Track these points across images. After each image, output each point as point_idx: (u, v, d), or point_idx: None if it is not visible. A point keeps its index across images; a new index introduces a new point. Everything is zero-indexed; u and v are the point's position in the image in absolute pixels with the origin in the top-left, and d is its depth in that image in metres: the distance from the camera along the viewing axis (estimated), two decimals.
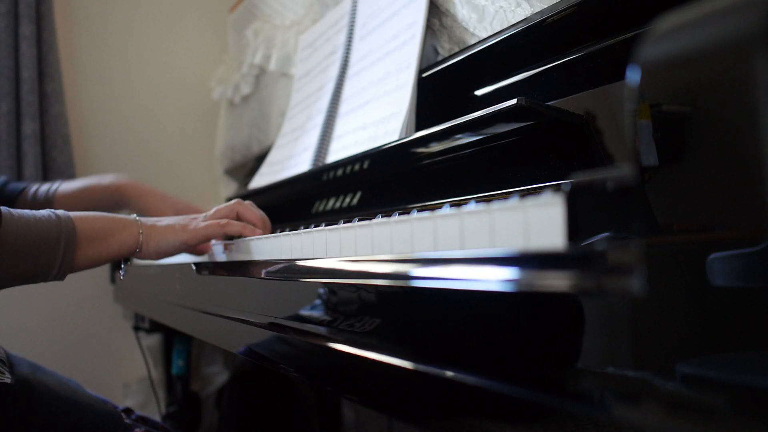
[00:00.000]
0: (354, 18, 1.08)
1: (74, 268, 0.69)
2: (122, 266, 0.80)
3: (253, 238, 0.69)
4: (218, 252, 0.77)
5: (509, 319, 0.30)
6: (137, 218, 0.74)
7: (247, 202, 0.79)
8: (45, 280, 0.68)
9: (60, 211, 0.69)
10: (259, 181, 1.28)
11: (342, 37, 1.12)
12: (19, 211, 0.65)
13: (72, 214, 0.70)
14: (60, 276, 0.68)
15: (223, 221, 0.74)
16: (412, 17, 0.88)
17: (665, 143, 0.25)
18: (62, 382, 0.79)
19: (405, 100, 0.82)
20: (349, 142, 0.93)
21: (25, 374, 0.71)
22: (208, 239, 0.75)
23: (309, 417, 1.38)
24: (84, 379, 0.90)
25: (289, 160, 1.16)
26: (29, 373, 0.73)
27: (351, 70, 1.03)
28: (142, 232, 0.73)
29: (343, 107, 1.01)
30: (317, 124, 1.08)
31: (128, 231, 0.72)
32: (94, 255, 0.70)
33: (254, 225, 0.76)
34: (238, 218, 0.77)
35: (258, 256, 0.66)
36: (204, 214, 0.77)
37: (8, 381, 0.65)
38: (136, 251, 0.73)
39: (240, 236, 0.74)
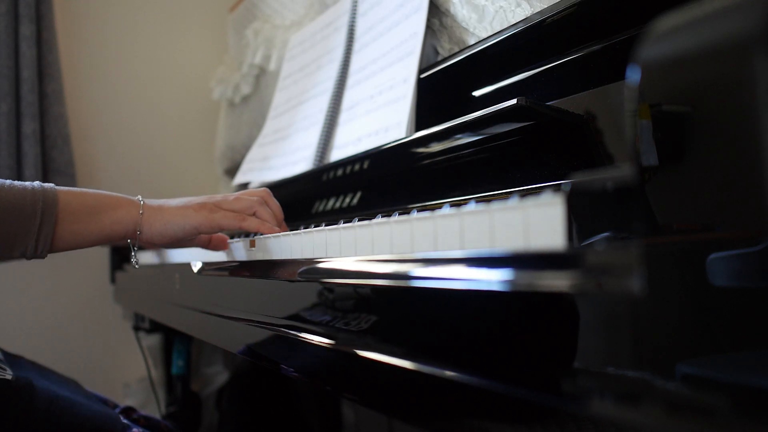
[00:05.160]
0: (353, 23, 1.07)
1: (57, 245, 0.64)
2: (132, 253, 0.73)
3: (270, 236, 0.66)
4: (238, 249, 0.73)
5: (509, 319, 0.30)
6: (141, 198, 0.69)
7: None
8: (25, 255, 0.63)
9: (47, 184, 0.65)
10: (241, 178, 1.28)
11: (334, 42, 1.12)
12: None
13: (60, 187, 0.65)
14: (40, 252, 0.63)
15: (242, 216, 0.69)
16: (412, 28, 0.88)
17: (665, 143, 0.25)
18: (61, 381, 0.79)
19: (405, 111, 0.82)
20: (350, 152, 0.92)
21: (24, 372, 0.71)
22: (222, 230, 0.70)
23: (309, 417, 1.38)
24: (84, 379, 0.90)
25: (278, 158, 1.16)
26: (28, 372, 0.73)
27: (350, 80, 1.02)
28: (142, 213, 0.67)
29: (343, 116, 1.01)
30: (312, 123, 1.08)
31: (125, 209, 0.67)
32: (80, 231, 0.65)
33: (276, 223, 0.71)
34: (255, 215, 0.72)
35: (277, 255, 0.65)
36: (223, 195, 0.72)
37: (9, 378, 0.65)
38: (137, 233, 0.68)
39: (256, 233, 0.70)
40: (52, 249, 0.65)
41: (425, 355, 0.35)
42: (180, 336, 1.49)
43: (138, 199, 0.69)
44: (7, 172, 1.43)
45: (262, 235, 0.69)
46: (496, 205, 0.33)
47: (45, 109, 1.50)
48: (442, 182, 0.76)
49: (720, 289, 0.22)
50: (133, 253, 0.73)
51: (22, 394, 0.64)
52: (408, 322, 0.37)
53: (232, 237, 0.83)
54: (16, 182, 0.63)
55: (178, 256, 0.94)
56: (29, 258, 0.64)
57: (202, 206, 0.69)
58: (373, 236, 0.45)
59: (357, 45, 1.04)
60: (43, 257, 0.65)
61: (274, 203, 0.74)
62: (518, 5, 0.74)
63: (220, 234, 0.79)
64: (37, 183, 0.64)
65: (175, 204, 0.70)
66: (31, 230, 0.61)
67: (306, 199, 1.05)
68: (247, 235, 0.83)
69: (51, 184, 0.65)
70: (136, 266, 0.75)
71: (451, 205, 0.43)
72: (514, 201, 0.32)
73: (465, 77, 0.79)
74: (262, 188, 0.75)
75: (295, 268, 0.53)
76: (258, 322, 0.58)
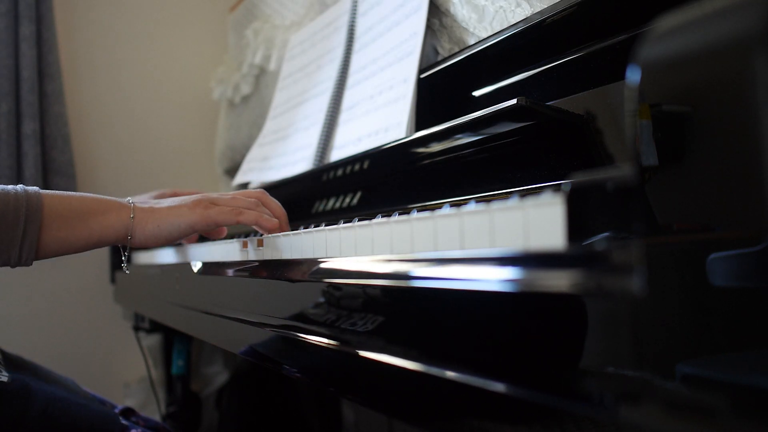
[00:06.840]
0: (353, 23, 1.07)
1: (43, 252, 0.61)
2: (123, 258, 0.70)
3: (270, 236, 0.64)
4: (236, 249, 0.70)
5: (509, 319, 0.30)
6: (131, 201, 0.66)
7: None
8: (8, 263, 0.60)
9: (31, 188, 0.62)
10: (241, 178, 1.28)
11: (334, 42, 1.12)
12: None
13: (45, 191, 0.62)
14: (25, 260, 0.61)
15: (238, 209, 0.66)
16: (412, 28, 0.88)
17: (665, 143, 0.25)
18: (60, 382, 0.79)
19: (405, 111, 0.82)
20: (350, 152, 0.92)
21: (21, 373, 0.71)
22: (218, 225, 0.67)
23: (309, 417, 1.38)
24: (84, 379, 0.90)
25: (278, 158, 1.16)
26: (26, 372, 0.72)
27: (350, 80, 1.02)
28: (133, 217, 0.64)
29: (343, 116, 1.01)
30: (311, 123, 1.08)
31: (115, 214, 0.64)
32: (67, 238, 0.62)
33: (277, 217, 0.69)
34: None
35: (276, 255, 0.63)
36: (219, 194, 0.70)
37: (5, 380, 0.65)
38: (128, 237, 0.64)
39: (254, 226, 0.68)
40: (38, 256, 0.62)
41: (427, 356, 0.35)
42: (180, 336, 1.49)
43: (128, 201, 0.66)
44: (8, 172, 1.43)
45: (263, 234, 0.68)
46: (496, 205, 0.33)
47: (45, 109, 1.50)
48: (442, 182, 0.76)
49: (720, 289, 0.22)
50: (123, 258, 0.70)
51: (18, 397, 0.64)
52: (408, 322, 0.37)
53: (232, 237, 0.83)
54: None
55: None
56: (13, 266, 0.62)
57: (197, 203, 0.67)
58: (373, 236, 0.45)
59: (357, 45, 1.04)
60: (29, 265, 0.62)
61: (273, 202, 0.72)
62: (518, 5, 0.74)
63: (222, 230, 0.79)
64: (20, 187, 0.62)
65: (167, 204, 0.67)
66: (14, 239, 0.59)
67: (306, 199, 1.05)
68: (255, 234, 0.83)
69: (35, 188, 0.62)
70: (127, 272, 0.72)
71: (451, 205, 0.43)
72: (514, 201, 0.32)
73: (465, 77, 0.79)
74: (258, 189, 0.73)
75: (294, 267, 0.53)
76: (258, 322, 0.58)
